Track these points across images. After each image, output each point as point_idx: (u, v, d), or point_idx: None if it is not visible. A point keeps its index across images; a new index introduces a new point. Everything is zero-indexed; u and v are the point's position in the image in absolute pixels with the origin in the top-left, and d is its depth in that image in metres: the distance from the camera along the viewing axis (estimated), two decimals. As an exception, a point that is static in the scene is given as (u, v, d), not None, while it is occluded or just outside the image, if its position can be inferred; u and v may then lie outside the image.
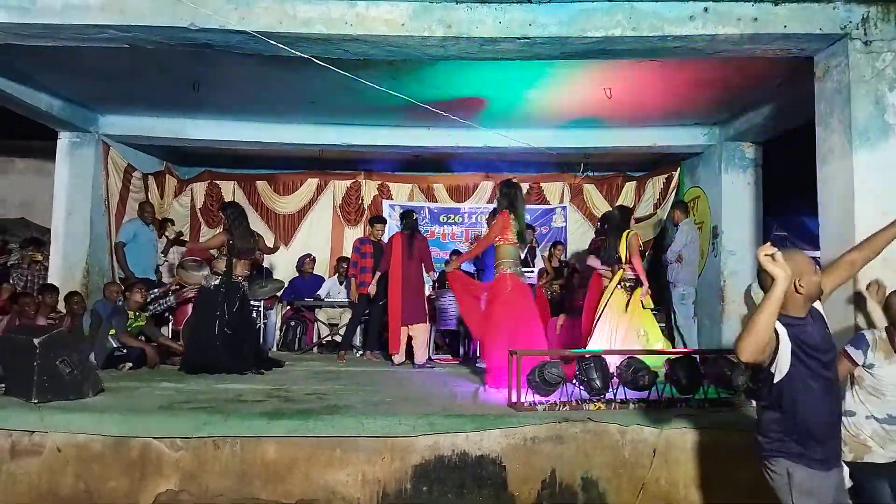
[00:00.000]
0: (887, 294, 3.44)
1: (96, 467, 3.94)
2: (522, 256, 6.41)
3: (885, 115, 4.37)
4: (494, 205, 8.97)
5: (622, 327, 5.66)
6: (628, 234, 5.87)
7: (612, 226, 6.15)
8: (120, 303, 6.55)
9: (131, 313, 6.32)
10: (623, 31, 4.49)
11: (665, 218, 8.84)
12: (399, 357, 6.86)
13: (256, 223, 9.10)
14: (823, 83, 4.72)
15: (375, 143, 8.25)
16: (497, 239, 5.58)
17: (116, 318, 6.18)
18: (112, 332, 6.11)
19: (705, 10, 4.46)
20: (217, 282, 6.11)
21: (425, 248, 7.01)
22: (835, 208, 4.53)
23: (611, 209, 6.44)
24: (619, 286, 5.81)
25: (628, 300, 5.75)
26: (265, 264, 8.47)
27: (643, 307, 5.80)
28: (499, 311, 5.44)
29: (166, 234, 8.24)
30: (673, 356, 4.86)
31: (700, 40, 4.58)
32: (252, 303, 6.92)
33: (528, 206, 9.62)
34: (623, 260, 5.83)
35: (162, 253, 8.06)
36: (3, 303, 6.43)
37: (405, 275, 6.73)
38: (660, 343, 5.68)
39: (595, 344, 5.59)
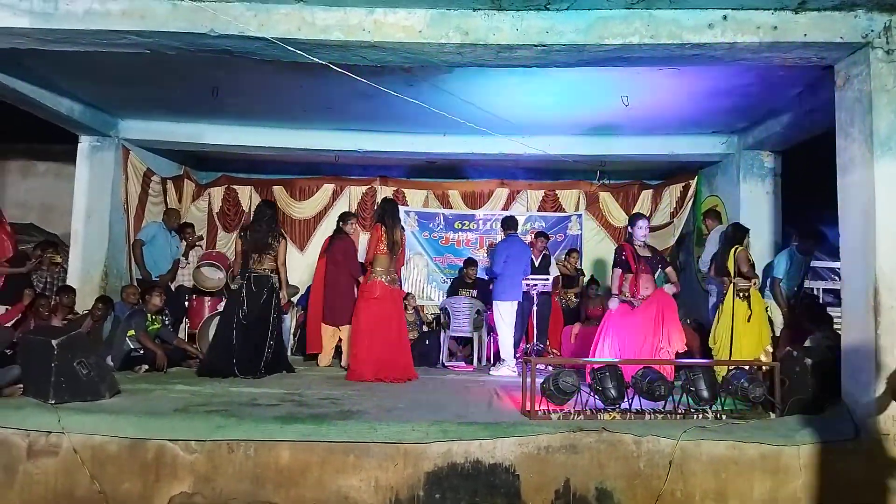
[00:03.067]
0: None
1: (112, 469, 3.96)
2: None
3: (907, 125, 4.31)
4: (508, 212, 9.10)
5: (744, 337, 5.85)
6: (736, 249, 6.04)
7: (725, 241, 6.30)
8: (137, 305, 6.61)
9: (148, 316, 6.36)
10: (641, 39, 4.46)
11: (692, 228, 8.80)
12: (325, 359, 6.99)
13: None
14: (844, 92, 4.66)
15: (391, 150, 8.29)
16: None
17: (136, 318, 6.23)
18: (131, 333, 6.14)
19: (724, 17, 4.42)
20: (238, 283, 6.17)
21: (348, 249, 6.97)
22: (855, 219, 4.47)
23: (728, 225, 6.73)
24: (736, 296, 5.93)
25: (750, 312, 5.87)
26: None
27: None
28: (364, 313, 6.11)
29: (186, 238, 8.28)
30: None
31: (719, 48, 4.55)
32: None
33: (543, 214, 9.72)
34: (732, 273, 5.98)
35: (183, 256, 8.11)
36: (24, 307, 6.48)
37: (328, 276, 6.92)
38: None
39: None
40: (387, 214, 6.29)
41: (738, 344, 5.78)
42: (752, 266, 6.09)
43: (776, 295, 6.61)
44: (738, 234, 6.23)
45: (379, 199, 9.57)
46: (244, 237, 6.26)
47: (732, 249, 6.05)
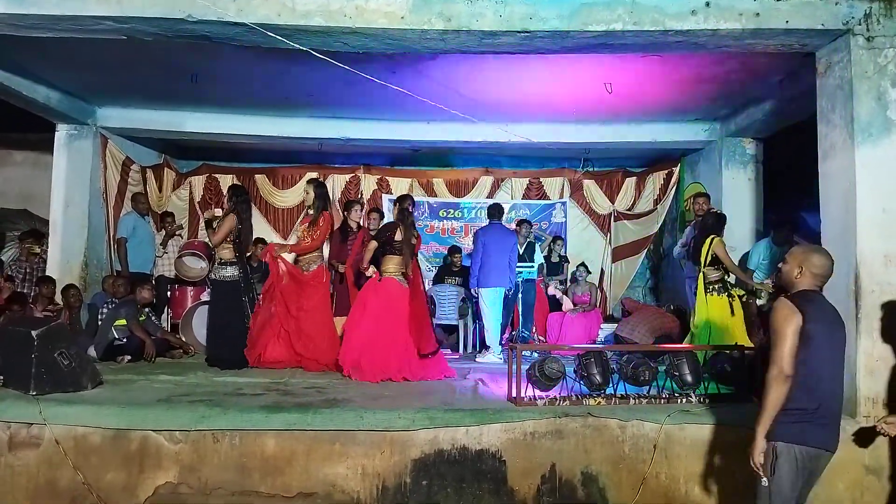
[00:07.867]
0: None
1: (95, 460, 3.93)
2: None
3: (887, 112, 4.33)
4: (493, 199, 9.09)
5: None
6: (712, 239, 5.90)
7: (701, 230, 6.15)
8: (128, 296, 6.51)
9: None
10: (624, 26, 4.45)
11: (676, 215, 8.84)
12: None
13: (256, 217, 9.07)
14: (825, 79, 4.69)
15: (374, 137, 8.24)
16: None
17: (127, 308, 6.16)
18: (120, 322, 6.08)
19: (707, 4, 4.42)
20: (236, 272, 5.93)
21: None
22: (836, 204, 4.51)
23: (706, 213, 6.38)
24: (707, 291, 5.81)
25: (731, 304, 5.74)
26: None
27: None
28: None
29: (166, 227, 8.19)
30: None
31: (702, 35, 4.55)
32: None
33: (528, 202, 9.72)
34: (703, 263, 5.87)
35: (161, 245, 8.03)
36: (2, 302, 6.33)
37: None
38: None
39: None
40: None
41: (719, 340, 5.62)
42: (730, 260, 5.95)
43: (745, 284, 6.49)
44: (718, 223, 6.09)
45: (363, 188, 9.61)
46: (240, 228, 5.96)
47: (709, 239, 5.91)
